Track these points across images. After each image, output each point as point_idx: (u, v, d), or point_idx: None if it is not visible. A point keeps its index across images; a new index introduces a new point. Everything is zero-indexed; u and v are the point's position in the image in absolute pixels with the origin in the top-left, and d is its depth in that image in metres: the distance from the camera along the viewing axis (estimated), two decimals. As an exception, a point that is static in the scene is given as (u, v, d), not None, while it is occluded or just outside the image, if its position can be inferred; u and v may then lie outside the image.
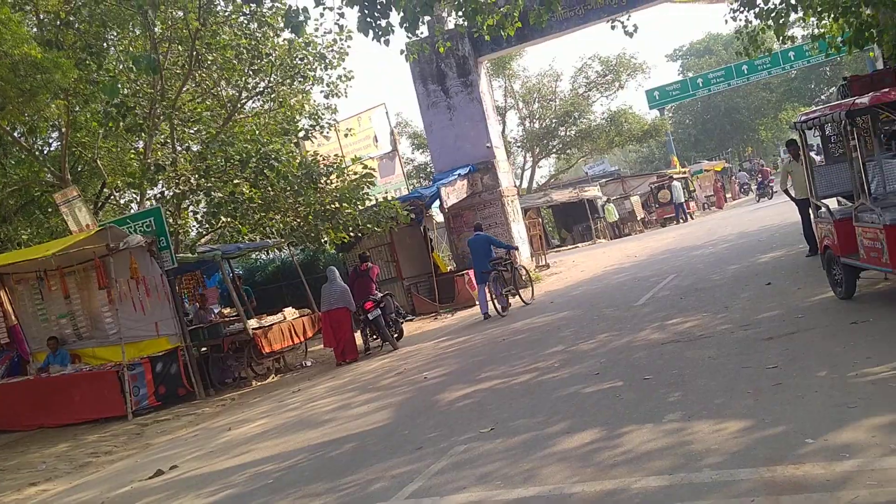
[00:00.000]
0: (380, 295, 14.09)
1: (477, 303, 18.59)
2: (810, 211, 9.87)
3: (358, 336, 14.85)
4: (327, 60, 15.80)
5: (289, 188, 13.85)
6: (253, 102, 16.37)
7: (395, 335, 14.45)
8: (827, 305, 8.58)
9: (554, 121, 37.95)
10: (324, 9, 11.87)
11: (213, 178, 13.39)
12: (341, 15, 13.63)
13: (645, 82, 44.96)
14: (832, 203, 9.44)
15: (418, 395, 9.16)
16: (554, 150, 39.39)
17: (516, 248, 18.93)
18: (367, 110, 22.63)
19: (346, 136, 18.77)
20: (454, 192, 19.25)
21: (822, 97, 75.70)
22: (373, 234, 16.91)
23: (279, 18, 15.06)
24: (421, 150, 38.90)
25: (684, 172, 40.09)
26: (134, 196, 16.50)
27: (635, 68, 38.89)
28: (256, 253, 20.53)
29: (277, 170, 13.40)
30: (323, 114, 17.42)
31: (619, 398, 6.75)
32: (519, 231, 20.98)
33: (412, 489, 5.54)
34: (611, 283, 16.21)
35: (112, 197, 19.33)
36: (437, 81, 20.73)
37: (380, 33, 11.59)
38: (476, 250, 15.74)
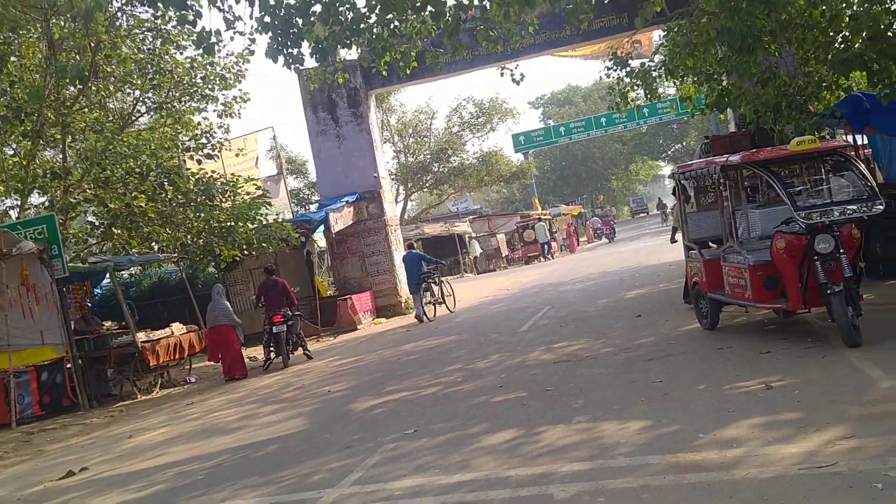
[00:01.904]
0: (290, 313, 14.39)
1: (359, 326, 19.28)
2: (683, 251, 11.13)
3: (258, 349, 15.11)
4: (228, 81, 16.07)
5: (187, 203, 13.98)
6: (148, 116, 16.33)
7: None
8: (695, 334, 9.80)
9: (428, 156, 39.21)
10: (234, 33, 12.18)
11: (110, 190, 13.33)
12: (252, 41, 13.97)
13: (514, 126, 47.22)
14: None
15: (327, 406, 9.64)
16: (427, 185, 40.59)
17: (444, 264, 21.55)
18: (254, 132, 22.84)
19: (236, 155, 18.91)
20: (341, 219, 19.79)
21: (669, 152, 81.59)
22: (258, 256, 17.16)
23: (183, 36, 15.26)
24: (295, 176, 39.07)
25: (546, 215, 42.28)
26: (14, 202, 15.99)
27: (506, 113, 40.85)
28: (133, 267, 20.19)
29: (177, 185, 13.53)
30: (215, 133, 17.56)
31: (526, 406, 7.57)
32: (399, 261, 21.70)
33: (353, 478, 6.10)
34: (489, 313, 17.19)
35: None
36: (328, 110, 21.29)
37: (291, 61, 12.13)
38: (409, 265, 18.60)
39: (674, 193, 10.83)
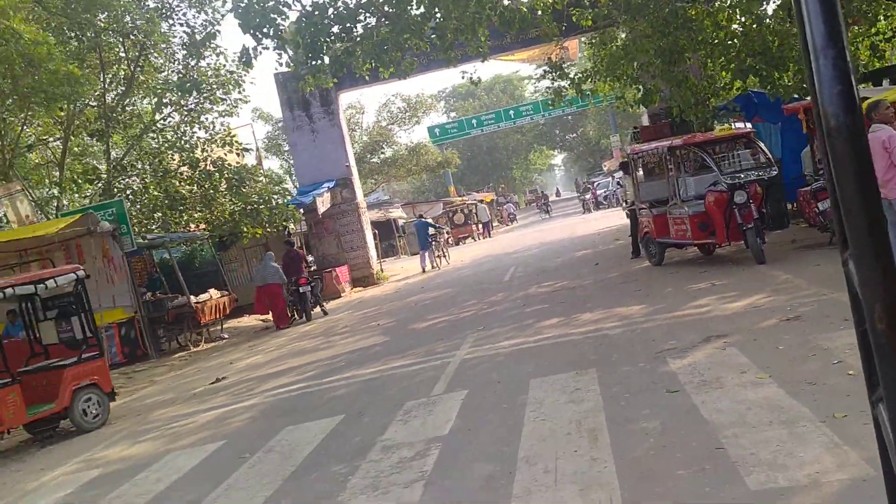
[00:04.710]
0: (310, 278, 17.59)
1: (342, 294, 22.47)
2: (635, 210, 14.98)
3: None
4: (240, 86, 19.01)
5: (227, 189, 16.98)
6: (178, 117, 19.10)
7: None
8: (648, 269, 13.66)
9: (360, 149, 42.41)
10: (262, 49, 15.22)
11: (168, 178, 16.18)
12: (280, 55, 16.96)
13: (438, 119, 50.93)
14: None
15: (389, 331, 12.91)
16: (361, 175, 43.66)
17: (445, 229, 28.86)
18: (235, 129, 25.61)
19: (245, 149, 21.83)
20: (323, 203, 22.93)
21: (567, 140, 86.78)
22: (277, 232, 20.29)
23: (207, 45, 18.17)
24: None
25: (468, 201, 46.15)
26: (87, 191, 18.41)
27: (430, 107, 44.54)
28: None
29: (222, 173, 16.50)
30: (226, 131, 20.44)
31: (552, 311, 11.17)
32: (369, 238, 25.00)
33: (467, 348, 9.55)
34: (463, 276, 20.66)
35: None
36: (302, 108, 24.33)
37: (315, 71, 15.63)
38: (420, 230, 25.72)
39: (623, 169, 14.65)
